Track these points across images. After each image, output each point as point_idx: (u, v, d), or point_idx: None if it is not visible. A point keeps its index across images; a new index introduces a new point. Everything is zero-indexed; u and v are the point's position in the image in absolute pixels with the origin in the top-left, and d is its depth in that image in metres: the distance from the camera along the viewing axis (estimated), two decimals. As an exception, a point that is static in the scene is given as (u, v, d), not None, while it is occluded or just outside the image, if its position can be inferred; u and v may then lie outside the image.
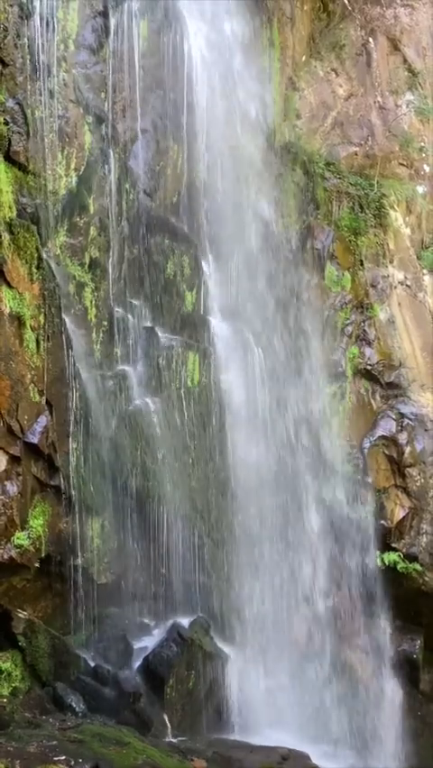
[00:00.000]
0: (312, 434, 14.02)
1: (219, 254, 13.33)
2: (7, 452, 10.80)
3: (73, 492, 11.45)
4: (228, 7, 13.74)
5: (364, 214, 15.17)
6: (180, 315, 12.95)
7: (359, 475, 14.26)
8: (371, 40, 16.05)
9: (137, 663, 11.87)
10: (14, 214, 11.21)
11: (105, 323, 12.26)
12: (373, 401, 14.77)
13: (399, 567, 14.17)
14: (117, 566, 12.08)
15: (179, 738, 11.50)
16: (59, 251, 11.89)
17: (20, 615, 11.24)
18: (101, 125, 12.33)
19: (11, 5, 11.43)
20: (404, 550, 14.29)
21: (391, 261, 15.36)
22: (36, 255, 11.22)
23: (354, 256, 15.00)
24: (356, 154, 15.77)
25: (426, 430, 14.76)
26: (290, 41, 15.03)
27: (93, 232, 12.22)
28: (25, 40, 11.53)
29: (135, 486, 12.15)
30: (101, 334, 12.23)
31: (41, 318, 11.23)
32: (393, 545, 14.26)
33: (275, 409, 13.58)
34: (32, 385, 11.07)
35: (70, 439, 11.46)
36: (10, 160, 11.39)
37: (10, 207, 11.14)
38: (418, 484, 14.53)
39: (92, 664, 11.70)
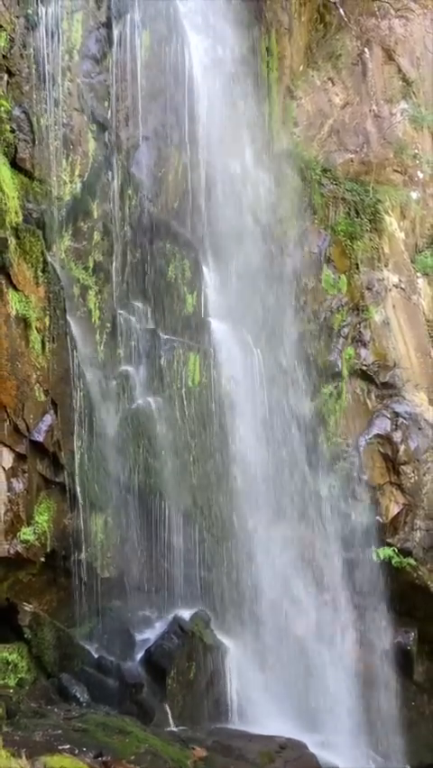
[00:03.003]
0: (309, 433, 14.03)
1: (219, 258, 13.34)
2: (13, 450, 10.83)
3: (77, 489, 11.47)
4: (228, 18, 13.75)
5: (360, 219, 15.18)
6: (181, 317, 12.96)
7: (355, 472, 14.27)
8: (366, 50, 16.06)
9: (139, 655, 11.88)
10: (21, 219, 11.24)
11: (109, 324, 12.28)
12: (368, 401, 14.77)
13: (393, 562, 14.17)
14: (120, 561, 12.09)
15: (180, 728, 11.51)
16: (63, 255, 11.91)
17: (26, 608, 11.26)
18: (104, 133, 12.35)
19: (17, 17, 11.47)
20: (398, 545, 14.29)
21: (385, 265, 15.37)
22: (42, 259, 11.25)
23: (349, 260, 15.01)
24: (352, 161, 15.78)
25: (420, 429, 14.76)
26: (288, 51, 15.04)
27: (97, 236, 12.24)
28: (31, 50, 11.57)
29: (138, 483, 12.17)
30: (104, 336, 12.24)
31: (47, 320, 11.25)
32: (388, 541, 14.27)
33: (273, 408, 13.59)
34: (38, 385, 11.09)
35: (75, 437, 11.48)
36: (16, 166, 11.43)
37: (16, 213, 11.17)
38: (412, 481, 14.54)
39: (96, 656, 11.71)
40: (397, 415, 14.70)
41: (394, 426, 14.62)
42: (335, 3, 15.38)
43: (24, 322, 10.97)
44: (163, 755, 9.50)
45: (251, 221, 13.90)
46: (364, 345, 14.81)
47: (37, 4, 11.60)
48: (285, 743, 11.05)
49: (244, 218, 13.79)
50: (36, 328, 11.11)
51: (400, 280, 15.48)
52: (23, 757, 7.47)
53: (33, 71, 11.57)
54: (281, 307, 14.07)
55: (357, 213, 15.19)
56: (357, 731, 13.34)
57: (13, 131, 11.37)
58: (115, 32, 12.38)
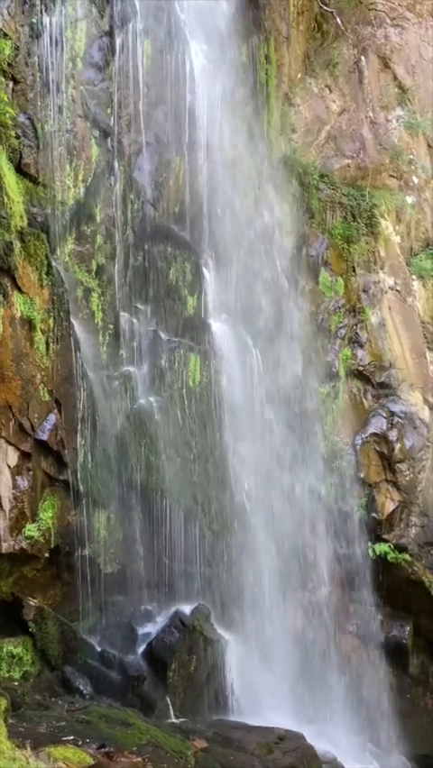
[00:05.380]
0: (307, 432, 14.02)
1: (219, 261, 13.34)
2: (18, 449, 10.83)
3: (81, 486, 11.47)
4: (228, 27, 13.74)
5: (357, 223, 15.17)
6: (182, 319, 12.95)
7: (351, 470, 14.27)
8: (363, 58, 16.05)
9: (141, 649, 11.89)
10: (25, 223, 11.24)
11: (111, 326, 12.28)
12: (364, 400, 14.77)
13: (389, 557, 14.17)
14: (123, 556, 12.10)
15: (181, 719, 11.52)
16: (67, 258, 11.91)
17: (30, 603, 11.26)
18: (107, 139, 12.34)
19: (22, 26, 11.47)
20: (394, 541, 14.29)
21: (381, 268, 15.36)
22: (46, 262, 11.25)
23: (346, 263, 15.01)
24: (349, 166, 15.77)
25: (415, 427, 14.76)
26: (286, 58, 15.03)
27: (99, 240, 12.23)
28: (36, 58, 11.57)
29: (140, 480, 12.17)
30: (107, 337, 12.24)
31: (51, 322, 11.25)
32: (384, 537, 14.27)
33: (272, 408, 13.59)
34: (42, 385, 11.09)
35: (78, 436, 11.48)
36: (21, 171, 11.43)
37: (21, 217, 11.17)
38: (407, 479, 14.53)
39: (99, 649, 11.72)
40: (393, 414, 14.70)
41: (390, 425, 14.62)
42: (332, 12, 15.37)
43: (29, 323, 10.98)
44: (165, 746, 9.51)
45: (250, 225, 13.90)
46: (361, 346, 14.82)
47: (41, 13, 11.60)
48: (283, 734, 11.06)
49: (244, 222, 13.78)
50: (40, 329, 11.11)
51: (395, 283, 15.47)
52: (28, 748, 7.46)
53: (38, 79, 11.57)
54: (280, 309, 14.06)
55: (354, 217, 15.18)
56: (354, 722, 13.35)
57: (18, 137, 11.37)
58: (118, 41, 12.38)
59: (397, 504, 14.42)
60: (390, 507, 14.36)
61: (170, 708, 11.66)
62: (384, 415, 14.70)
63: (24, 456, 10.89)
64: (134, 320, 12.48)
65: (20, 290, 10.90)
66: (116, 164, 12.40)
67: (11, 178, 11.07)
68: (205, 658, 12.15)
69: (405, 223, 16.12)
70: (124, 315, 12.37)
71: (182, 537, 12.39)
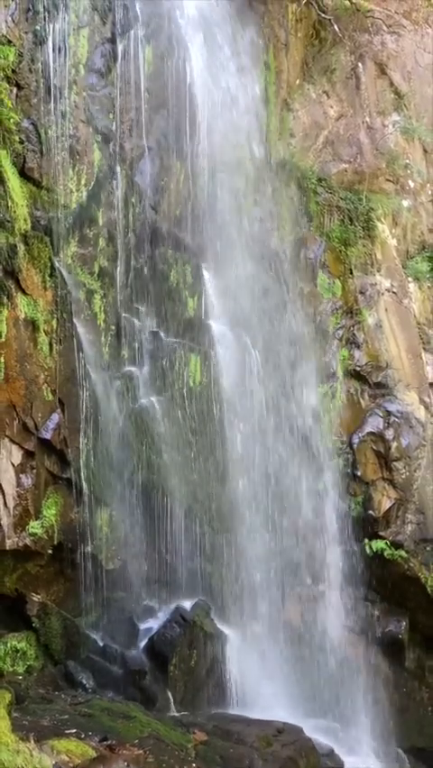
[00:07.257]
0: (306, 431, 14.02)
1: (219, 263, 13.34)
2: (22, 448, 10.84)
3: (83, 484, 11.48)
4: (227, 34, 13.75)
5: (354, 226, 15.18)
6: (183, 320, 12.96)
7: (349, 468, 14.27)
8: (360, 64, 16.05)
9: (143, 643, 11.90)
10: (29, 226, 11.26)
11: (114, 327, 12.29)
12: (361, 400, 14.78)
13: (386, 554, 14.17)
14: (124, 553, 12.10)
15: (182, 713, 11.52)
16: (70, 261, 11.91)
17: (34, 598, 11.27)
18: (109, 144, 12.36)
19: (26, 33, 11.48)
20: (390, 538, 14.29)
21: (378, 270, 15.36)
22: (49, 264, 11.27)
23: (344, 265, 15.01)
24: (346, 171, 15.77)
25: (411, 427, 14.77)
26: (285, 65, 15.04)
27: (102, 243, 12.24)
28: (39, 65, 11.58)
29: (141, 479, 12.17)
30: (109, 338, 12.25)
31: (54, 323, 11.26)
32: (381, 534, 14.27)
33: (271, 407, 13.59)
34: (45, 385, 11.10)
35: (81, 435, 11.49)
36: (25, 176, 11.45)
37: (25, 220, 11.18)
38: (403, 477, 14.54)
39: (101, 644, 11.73)
40: (389, 413, 14.71)
41: (387, 425, 14.62)
42: (330, 19, 15.37)
43: (33, 324, 10.99)
44: (166, 739, 9.50)
45: (249, 228, 13.90)
46: (358, 347, 14.82)
47: (45, 20, 11.61)
48: (282, 727, 11.04)
49: (243, 225, 13.79)
50: (44, 330, 11.12)
51: (392, 285, 15.47)
52: (32, 741, 7.46)
53: (41, 85, 11.58)
54: (279, 311, 14.06)
55: (351, 220, 15.19)
56: (351, 716, 13.34)
57: (22, 142, 11.38)
58: (120, 47, 12.39)
59: (393, 501, 14.42)
60: (386, 504, 14.36)
61: (171, 701, 11.66)
62: (381, 414, 14.71)
63: (28, 455, 10.90)
64: (136, 321, 12.48)
65: (24, 292, 10.92)
66: (118, 168, 12.41)
67: (15, 183, 11.08)
68: (205, 652, 12.16)
69: (401, 226, 16.13)
70: (125, 317, 12.39)
71: (183, 534, 12.40)
